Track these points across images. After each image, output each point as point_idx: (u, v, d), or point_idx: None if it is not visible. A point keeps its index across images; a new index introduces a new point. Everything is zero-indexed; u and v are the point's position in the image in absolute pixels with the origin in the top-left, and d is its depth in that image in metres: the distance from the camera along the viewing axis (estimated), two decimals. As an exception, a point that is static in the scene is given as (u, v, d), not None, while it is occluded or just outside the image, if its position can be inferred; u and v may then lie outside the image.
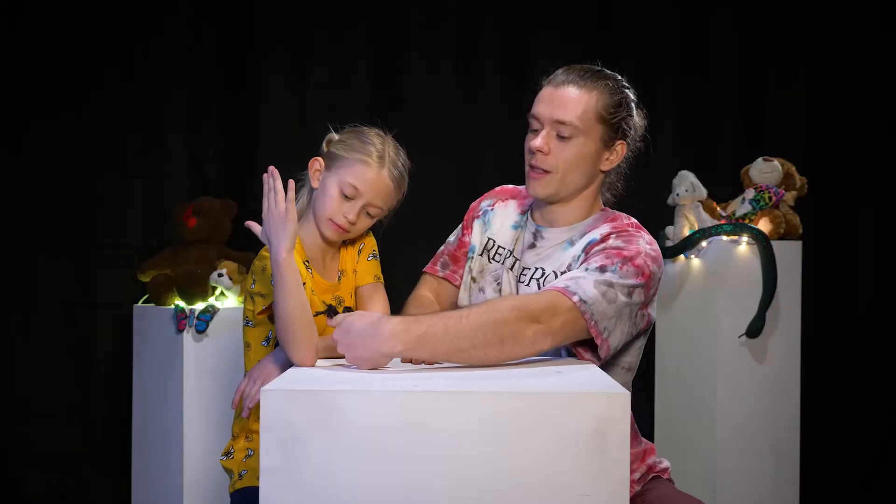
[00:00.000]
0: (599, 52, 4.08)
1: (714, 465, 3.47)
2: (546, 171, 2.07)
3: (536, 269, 2.11)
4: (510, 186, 2.30)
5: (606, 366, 2.04)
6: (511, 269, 2.15)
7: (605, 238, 2.02)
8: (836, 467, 4.20)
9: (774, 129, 4.25)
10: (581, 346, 1.97)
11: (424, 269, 2.32)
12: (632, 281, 1.95)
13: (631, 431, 1.55)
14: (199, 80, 4.02)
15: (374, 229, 2.22)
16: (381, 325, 1.79)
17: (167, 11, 3.98)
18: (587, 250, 2.03)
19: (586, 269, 1.96)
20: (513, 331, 1.84)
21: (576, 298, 1.89)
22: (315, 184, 2.13)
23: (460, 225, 2.32)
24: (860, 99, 4.26)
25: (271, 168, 1.93)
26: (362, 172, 2.05)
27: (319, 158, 2.13)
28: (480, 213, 2.27)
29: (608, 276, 1.94)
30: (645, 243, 2.02)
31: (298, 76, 4.07)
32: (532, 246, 2.15)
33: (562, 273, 2.05)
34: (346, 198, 2.07)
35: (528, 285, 2.10)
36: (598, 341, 1.93)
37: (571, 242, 2.10)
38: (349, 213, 2.08)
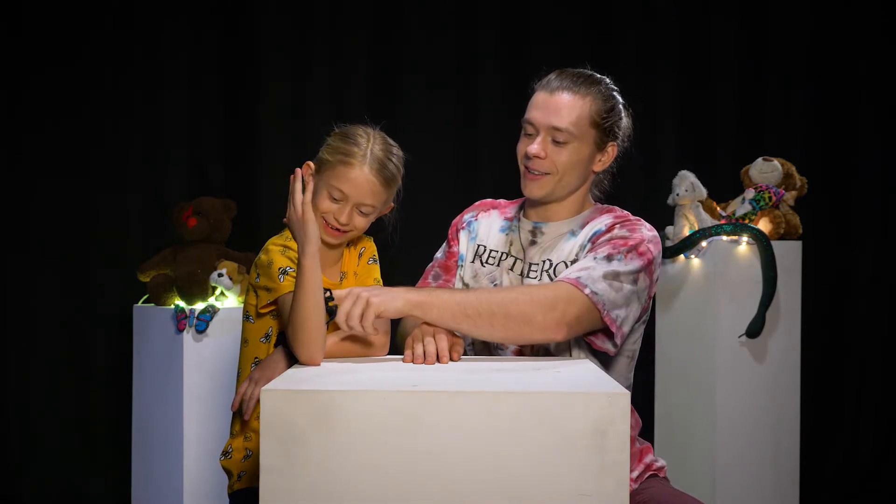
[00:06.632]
0: (599, 51, 4.08)
1: (714, 464, 3.47)
2: (543, 174, 2.15)
3: (544, 261, 2.17)
4: (488, 200, 2.38)
5: (617, 355, 2.13)
6: (511, 269, 2.20)
7: (610, 228, 2.11)
8: (836, 467, 4.20)
9: (774, 129, 4.25)
10: (593, 335, 2.05)
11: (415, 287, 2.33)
12: (635, 266, 2.04)
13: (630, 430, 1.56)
14: (199, 80, 4.02)
15: (379, 229, 2.21)
16: (390, 287, 1.97)
17: (167, 15, 3.98)
18: (593, 240, 2.10)
19: (594, 259, 2.04)
20: (522, 311, 1.93)
21: (588, 290, 1.97)
22: (309, 188, 2.13)
23: (445, 241, 2.37)
24: (860, 99, 4.26)
25: (297, 170, 1.98)
26: (345, 174, 2.05)
27: (310, 163, 2.13)
28: (465, 224, 2.34)
29: (615, 265, 2.02)
30: (647, 230, 2.12)
31: (299, 77, 4.06)
32: (533, 243, 2.20)
33: (571, 262, 2.12)
34: (336, 200, 2.08)
35: (539, 279, 2.16)
36: (613, 329, 2.01)
37: (573, 233, 2.18)
38: (339, 215, 2.08)
